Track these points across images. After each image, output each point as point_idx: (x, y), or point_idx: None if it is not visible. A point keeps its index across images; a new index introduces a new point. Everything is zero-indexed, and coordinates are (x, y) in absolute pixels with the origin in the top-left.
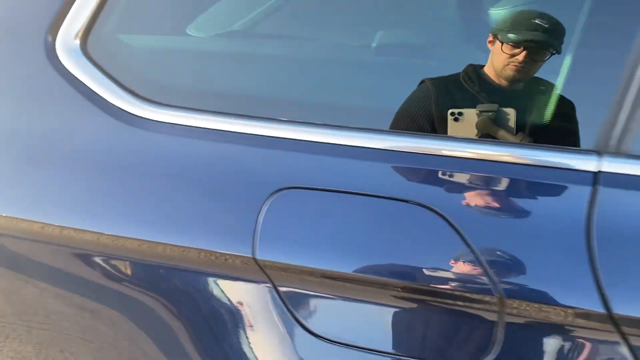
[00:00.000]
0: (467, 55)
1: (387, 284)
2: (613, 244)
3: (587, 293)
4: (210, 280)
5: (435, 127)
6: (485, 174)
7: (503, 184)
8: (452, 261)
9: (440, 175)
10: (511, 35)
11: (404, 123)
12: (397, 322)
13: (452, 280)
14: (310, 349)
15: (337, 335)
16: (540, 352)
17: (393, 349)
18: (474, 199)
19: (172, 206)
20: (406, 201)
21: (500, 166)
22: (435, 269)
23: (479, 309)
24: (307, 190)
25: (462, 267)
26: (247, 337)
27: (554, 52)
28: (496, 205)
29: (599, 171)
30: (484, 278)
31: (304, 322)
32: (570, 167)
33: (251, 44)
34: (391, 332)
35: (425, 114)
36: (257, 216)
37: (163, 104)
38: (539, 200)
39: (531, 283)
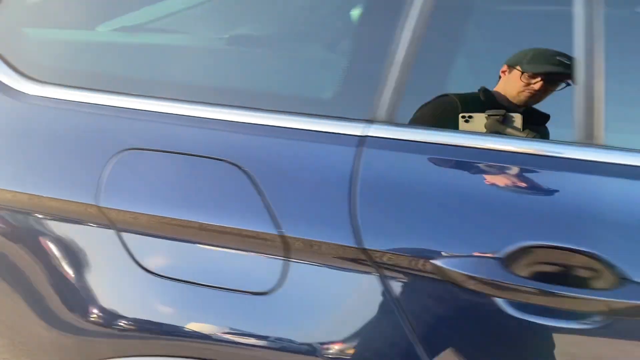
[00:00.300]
0: (305, 51)
1: (204, 227)
2: (371, 191)
3: (344, 230)
4: (64, 226)
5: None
6: (278, 138)
7: (289, 146)
8: (250, 207)
9: (250, 140)
10: (534, 68)
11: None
12: (211, 259)
13: (249, 221)
14: (145, 283)
15: (167, 271)
16: (319, 283)
17: (209, 281)
18: (270, 160)
19: (38, 162)
20: (223, 160)
21: (288, 131)
22: (237, 214)
23: (270, 247)
24: (147, 151)
25: (257, 212)
26: (94, 275)
27: (569, 84)
28: (284, 162)
29: (366, 135)
30: (271, 220)
31: (140, 260)
32: (343, 133)
33: (134, 36)
34: (208, 267)
35: (447, 117)
36: (103, 171)
37: (46, 82)
38: (317, 158)
39: (307, 223)
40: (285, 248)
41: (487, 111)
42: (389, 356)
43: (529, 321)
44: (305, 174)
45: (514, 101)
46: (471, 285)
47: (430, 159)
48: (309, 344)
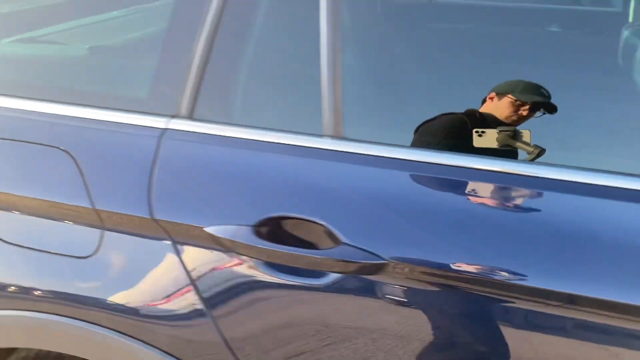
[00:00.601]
0: (140, 58)
1: (39, 202)
2: (165, 173)
3: (140, 204)
4: None
5: (464, 141)
6: (100, 129)
7: (108, 136)
8: (73, 185)
9: (79, 131)
10: (525, 97)
11: (438, 139)
12: (46, 228)
13: (71, 198)
14: None
15: (13, 239)
16: (127, 249)
17: (44, 247)
18: (92, 147)
19: None
20: (55, 147)
21: (109, 124)
22: (63, 191)
23: (88, 219)
24: None
25: (77, 190)
26: None
27: (545, 113)
28: (102, 149)
29: (167, 128)
30: (87, 197)
31: None
32: (150, 125)
33: (17, 46)
34: (44, 235)
35: (460, 132)
36: None
37: None
38: (128, 146)
39: (115, 199)
40: (100, 219)
41: (498, 127)
42: (180, 313)
43: (278, 279)
44: (117, 159)
45: (504, 122)
46: (234, 248)
47: (214, 149)
48: (119, 302)
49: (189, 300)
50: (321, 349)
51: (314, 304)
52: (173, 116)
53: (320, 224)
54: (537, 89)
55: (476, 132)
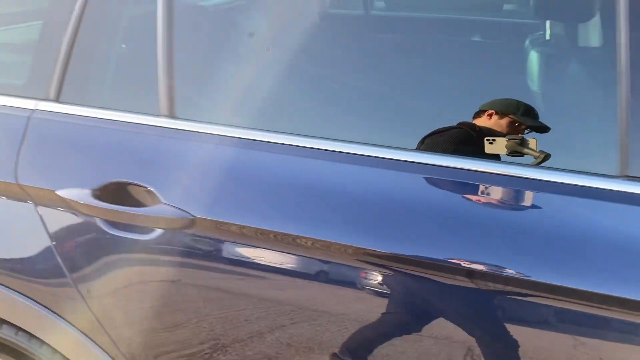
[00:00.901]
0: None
1: None
2: (31, 145)
3: (9, 171)
4: None
5: (471, 151)
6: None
7: None
8: None
9: None
10: (527, 120)
11: (450, 148)
12: None
13: None
14: None
15: None
16: (2, 212)
17: None
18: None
19: None
20: None
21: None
22: None
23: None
24: None
25: None
26: None
27: (531, 131)
28: None
29: (36, 109)
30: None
31: None
32: (23, 107)
33: None
34: None
35: (466, 143)
36: None
37: None
38: (5, 124)
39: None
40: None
41: (507, 136)
42: (40, 270)
43: (117, 235)
44: None
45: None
46: (77, 208)
47: (71, 126)
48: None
49: (49, 257)
50: (164, 307)
51: (149, 258)
52: (42, 99)
53: (147, 188)
54: (533, 112)
55: (487, 140)
